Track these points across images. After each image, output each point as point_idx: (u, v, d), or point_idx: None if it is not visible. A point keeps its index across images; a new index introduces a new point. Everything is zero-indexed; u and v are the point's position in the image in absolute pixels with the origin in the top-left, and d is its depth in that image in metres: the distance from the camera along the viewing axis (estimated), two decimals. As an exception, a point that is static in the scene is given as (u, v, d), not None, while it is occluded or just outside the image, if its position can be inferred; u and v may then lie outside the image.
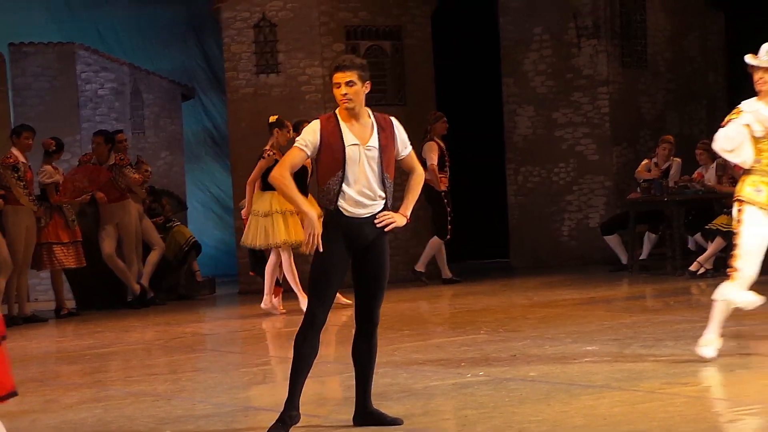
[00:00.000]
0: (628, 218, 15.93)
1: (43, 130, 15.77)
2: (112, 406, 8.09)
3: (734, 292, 8.38)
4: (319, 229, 6.72)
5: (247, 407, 7.77)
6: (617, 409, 7.02)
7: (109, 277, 14.99)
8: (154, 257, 15.66)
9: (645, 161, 16.19)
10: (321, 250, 6.70)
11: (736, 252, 8.33)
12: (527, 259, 18.00)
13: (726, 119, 8.39)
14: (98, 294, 15.21)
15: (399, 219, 6.88)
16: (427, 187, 14.74)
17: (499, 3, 18.38)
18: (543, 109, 18.02)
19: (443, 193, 15.62)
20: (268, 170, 12.61)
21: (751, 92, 8.49)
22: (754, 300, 8.42)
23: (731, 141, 8.29)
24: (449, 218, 15.71)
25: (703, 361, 8.39)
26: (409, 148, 7.02)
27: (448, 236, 15.71)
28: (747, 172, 8.40)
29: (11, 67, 18.10)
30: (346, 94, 6.74)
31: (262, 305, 13.31)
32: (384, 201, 6.86)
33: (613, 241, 16.28)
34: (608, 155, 17.66)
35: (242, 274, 16.82)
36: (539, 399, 7.43)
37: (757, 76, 8.34)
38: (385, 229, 6.82)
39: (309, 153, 6.83)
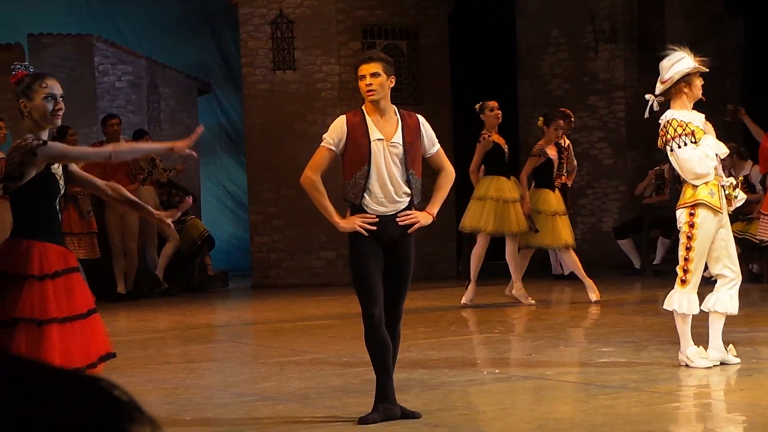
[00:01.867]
0: (642, 222, 15.95)
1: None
2: (133, 392, 8.12)
3: (693, 302, 8.40)
4: (356, 224, 6.78)
5: (266, 397, 7.81)
6: (635, 410, 7.06)
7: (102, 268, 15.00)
8: (169, 249, 15.72)
9: (648, 179, 16.42)
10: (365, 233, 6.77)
11: (691, 255, 8.35)
12: (540, 261, 18.00)
13: (670, 137, 8.33)
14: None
15: (424, 218, 6.91)
16: None
17: (516, 5, 18.41)
18: (559, 112, 18.03)
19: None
20: (488, 154, 12.81)
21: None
22: (697, 309, 8.46)
23: (705, 164, 8.32)
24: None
25: (723, 364, 8.41)
26: (437, 146, 7.04)
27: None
28: None
29: (30, 57, 18.13)
30: (370, 84, 6.79)
31: (513, 292, 13.10)
32: (410, 198, 6.89)
33: (626, 245, 16.32)
34: (623, 160, 17.69)
35: (255, 269, 16.88)
36: (557, 398, 7.47)
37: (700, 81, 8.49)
38: (409, 230, 6.86)
39: (335, 150, 6.87)
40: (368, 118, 6.86)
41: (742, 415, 7.01)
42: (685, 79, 8.41)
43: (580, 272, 12.80)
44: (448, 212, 17.27)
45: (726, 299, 8.44)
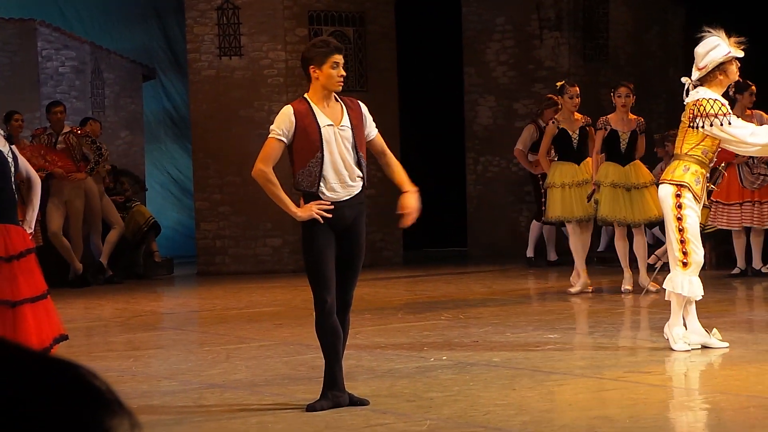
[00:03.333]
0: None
1: (1, 105, 15.64)
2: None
3: (695, 284, 8.47)
4: (312, 212, 6.79)
5: (212, 384, 7.79)
6: (581, 396, 7.11)
7: (52, 254, 14.85)
8: (113, 236, 15.63)
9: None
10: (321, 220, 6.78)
11: (686, 236, 8.41)
12: (484, 248, 18.09)
13: (713, 112, 8.40)
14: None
15: (414, 202, 6.96)
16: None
17: (462, -8, 18.44)
18: (504, 100, 18.11)
19: (538, 176, 15.60)
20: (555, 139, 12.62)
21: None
22: (701, 292, 8.53)
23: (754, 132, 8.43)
24: (543, 199, 15.69)
25: (670, 350, 8.48)
26: (376, 130, 7.08)
27: (540, 216, 15.55)
28: (682, 158, 8.49)
29: (-29, 41, 17.96)
30: (343, 75, 6.84)
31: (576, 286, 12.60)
32: (362, 181, 6.93)
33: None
34: (567, 147, 17.74)
35: (200, 255, 16.82)
36: (504, 384, 7.50)
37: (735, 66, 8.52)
38: (409, 223, 6.93)
39: (284, 140, 6.87)
40: (314, 106, 6.88)
41: (687, 400, 7.08)
42: (720, 67, 8.46)
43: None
44: (395, 198, 17.28)
45: (694, 283, 8.51)
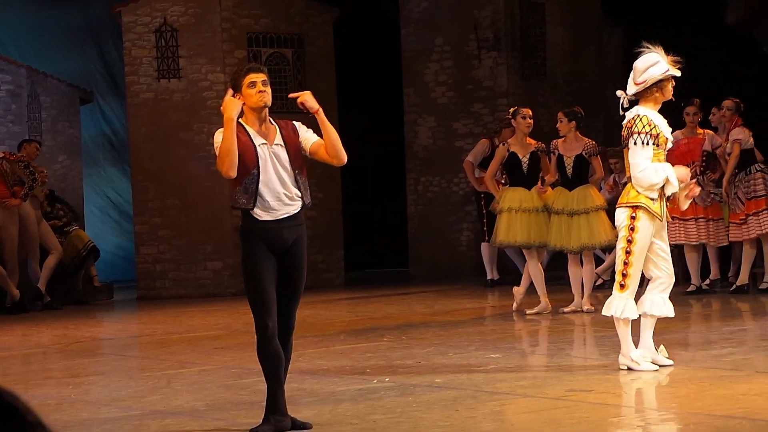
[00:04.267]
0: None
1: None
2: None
3: (629, 307, 8.51)
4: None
5: (153, 411, 7.71)
6: (524, 416, 7.11)
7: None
8: (51, 261, 15.48)
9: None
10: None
11: (630, 259, 8.45)
12: (426, 269, 18.11)
13: (636, 131, 8.44)
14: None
15: (310, 99, 6.90)
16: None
17: (400, 13, 18.49)
18: (443, 120, 18.16)
19: (482, 195, 15.59)
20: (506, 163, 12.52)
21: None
22: (635, 314, 8.57)
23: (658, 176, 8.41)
24: (484, 219, 15.67)
25: (614, 369, 8.51)
26: (315, 135, 7.02)
27: (486, 238, 15.52)
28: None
29: None
30: (263, 91, 6.82)
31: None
32: (301, 200, 6.90)
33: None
34: (507, 166, 17.81)
35: (141, 279, 16.70)
36: (446, 405, 7.48)
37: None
38: (299, 101, 6.85)
39: None
40: (248, 128, 6.87)
41: (629, 419, 7.10)
42: (658, 84, 8.48)
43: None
44: (335, 220, 17.27)
45: (659, 302, 8.54)
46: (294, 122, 7.09)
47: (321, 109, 6.91)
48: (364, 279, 17.76)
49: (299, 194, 6.90)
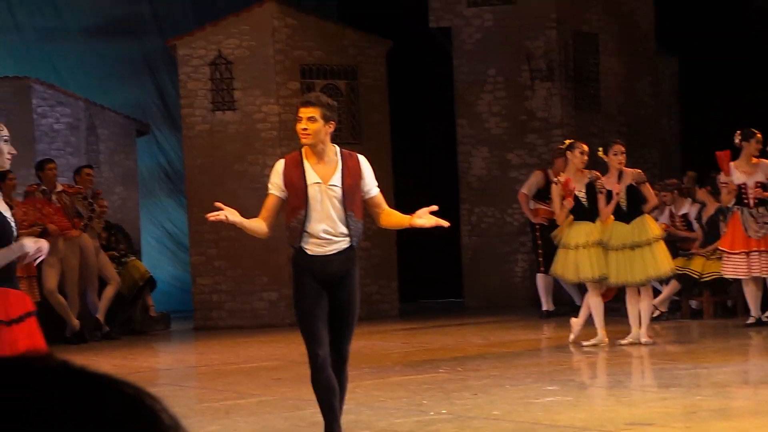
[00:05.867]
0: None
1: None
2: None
3: None
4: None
5: (214, 443, 7.77)
6: (583, 448, 7.10)
7: (49, 312, 14.81)
8: (109, 292, 15.62)
9: None
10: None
11: None
12: (480, 299, 18.09)
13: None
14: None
15: (428, 219, 6.93)
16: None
17: (453, 44, 18.55)
18: (497, 150, 18.18)
19: (537, 226, 15.63)
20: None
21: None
22: None
23: None
24: (539, 250, 15.69)
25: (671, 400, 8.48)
26: (377, 189, 7.08)
27: (541, 268, 15.57)
28: None
29: (-34, 100, 18.02)
30: (305, 129, 6.82)
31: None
32: (349, 239, 6.91)
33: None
34: (561, 197, 17.80)
35: (197, 310, 16.81)
36: (505, 437, 7.49)
37: None
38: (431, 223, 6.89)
39: (278, 194, 6.90)
40: (306, 162, 6.89)
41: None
42: None
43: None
44: (389, 250, 17.31)
45: None
46: (360, 159, 7.04)
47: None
48: (418, 310, 17.77)
49: (346, 233, 6.89)
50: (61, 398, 1.23)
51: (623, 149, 12.32)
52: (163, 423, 1.24)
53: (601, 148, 12.53)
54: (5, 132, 6.00)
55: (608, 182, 12.24)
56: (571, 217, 12.50)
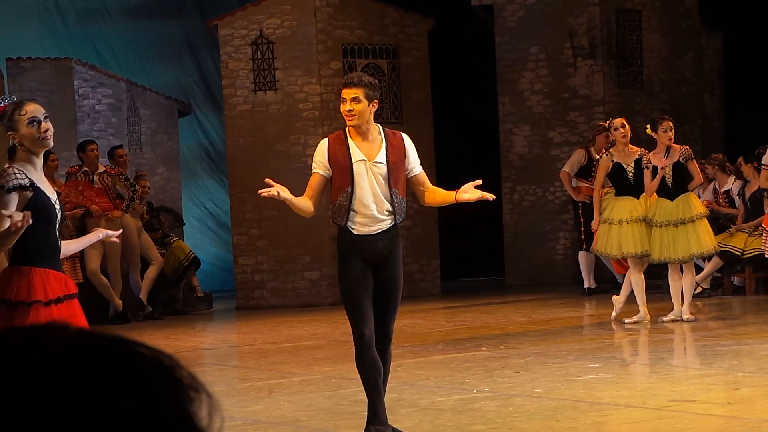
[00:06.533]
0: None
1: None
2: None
3: None
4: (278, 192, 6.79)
5: (256, 421, 7.81)
6: (626, 426, 7.09)
7: (92, 293, 14.91)
8: (152, 272, 15.69)
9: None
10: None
11: None
12: (522, 278, 18.06)
13: None
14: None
15: (473, 193, 6.93)
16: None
17: (495, 22, 18.48)
18: (539, 128, 18.11)
19: (579, 204, 15.58)
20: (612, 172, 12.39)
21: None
22: None
23: None
24: (581, 228, 15.63)
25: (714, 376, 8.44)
26: (420, 167, 7.08)
27: (583, 246, 15.55)
28: None
29: (9, 81, 18.12)
30: (351, 110, 6.84)
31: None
32: (393, 217, 6.92)
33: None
34: (604, 174, 17.71)
35: (239, 290, 16.87)
36: (547, 415, 7.48)
37: None
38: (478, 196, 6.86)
39: (322, 173, 6.91)
40: (350, 140, 6.90)
41: (730, 429, 7.04)
42: None
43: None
44: (431, 229, 17.30)
45: None
46: (404, 138, 7.06)
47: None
48: (460, 288, 17.76)
49: (392, 210, 6.91)
50: (79, 360, 1.23)
51: (672, 125, 12.24)
52: (182, 382, 1.24)
53: (649, 125, 12.44)
54: (32, 113, 6.00)
55: (655, 158, 12.16)
56: (613, 190, 12.45)
